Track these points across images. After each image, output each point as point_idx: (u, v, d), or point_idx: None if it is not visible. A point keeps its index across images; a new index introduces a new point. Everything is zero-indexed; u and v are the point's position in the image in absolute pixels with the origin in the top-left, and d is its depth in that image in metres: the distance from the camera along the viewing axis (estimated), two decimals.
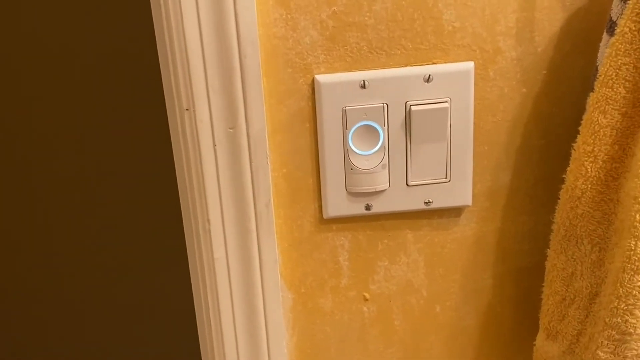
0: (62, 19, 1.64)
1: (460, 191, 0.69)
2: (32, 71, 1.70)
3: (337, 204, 0.68)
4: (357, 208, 0.69)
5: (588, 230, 0.62)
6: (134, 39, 1.58)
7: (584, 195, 0.61)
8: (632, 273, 0.57)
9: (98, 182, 1.81)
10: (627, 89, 0.57)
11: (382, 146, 0.66)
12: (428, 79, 0.64)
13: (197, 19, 0.60)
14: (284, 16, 0.62)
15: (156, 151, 1.45)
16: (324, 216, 0.69)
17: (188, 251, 0.70)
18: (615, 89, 0.58)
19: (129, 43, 1.62)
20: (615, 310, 0.59)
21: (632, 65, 0.57)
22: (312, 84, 0.64)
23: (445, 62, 0.65)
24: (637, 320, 0.58)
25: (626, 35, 0.56)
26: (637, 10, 0.56)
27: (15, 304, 1.98)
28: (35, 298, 1.97)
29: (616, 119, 0.58)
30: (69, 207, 1.85)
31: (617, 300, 0.58)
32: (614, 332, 0.59)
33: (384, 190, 0.68)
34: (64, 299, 1.97)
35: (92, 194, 1.83)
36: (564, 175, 0.62)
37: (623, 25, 0.56)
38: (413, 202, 0.69)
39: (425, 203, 0.69)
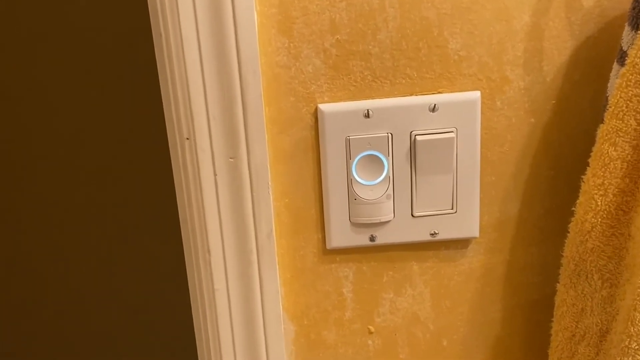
0: (62, 42, 1.65)
1: (467, 222, 0.67)
2: (34, 94, 1.71)
3: (341, 235, 0.67)
4: (361, 239, 0.67)
5: (598, 266, 0.60)
6: (135, 66, 1.59)
7: (594, 229, 0.59)
8: None
9: (98, 211, 1.81)
10: (638, 121, 0.56)
11: (387, 176, 0.65)
12: (433, 109, 0.63)
13: (197, 47, 0.59)
14: (286, 45, 0.61)
15: (157, 180, 1.45)
16: (328, 247, 0.68)
17: (189, 282, 0.69)
18: (625, 121, 0.56)
19: (130, 72, 1.63)
20: (626, 349, 0.57)
21: None
22: (315, 113, 0.63)
23: (451, 92, 0.63)
24: None
25: (637, 66, 0.55)
26: None
27: (18, 312, 1.98)
28: (35, 320, 1.98)
29: (627, 152, 0.57)
30: (67, 243, 1.85)
31: (629, 340, 0.56)
32: None
33: (389, 221, 0.67)
34: (63, 328, 1.97)
35: (92, 223, 1.82)
36: (573, 208, 0.61)
37: (634, 56, 0.55)
38: (418, 233, 0.67)
39: (431, 234, 0.67)
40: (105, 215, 1.82)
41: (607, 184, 0.58)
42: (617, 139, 0.57)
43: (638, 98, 0.55)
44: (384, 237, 0.67)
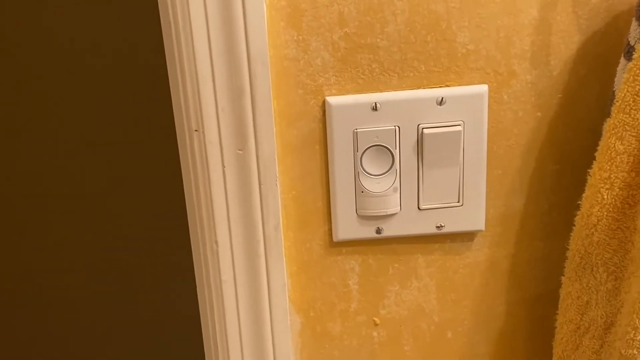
0: (71, 33, 1.64)
1: (472, 216, 0.67)
2: (47, 88, 1.71)
3: (348, 227, 0.67)
4: (367, 231, 0.68)
5: (604, 259, 0.60)
6: (144, 59, 1.58)
7: (600, 222, 0.60)
8: None
9: (105, 203, 1.81)
10: None
11: (394, 169, 0.65)
12: (441, 102, 0.63)
13: (207, 39, 0.59)
14: (295, 37, 0.61)
15: (165, 172, 1.45)
16: (334, 239, 0.68)
17: (196, 273, 0.69)
18: (632, 115, 0.56)
19: (139, 63, 1.62)
20: (631, 342, 0.57)
21: None
22: (323, 106, 0.64)
23: (459, 85, 0.64)
24: None
25: None
26: None
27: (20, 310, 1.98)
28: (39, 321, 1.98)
29: (633, 146, 0.57)
30: (77, 233, 1.85)
31: (634, 332, 0.57)
32: None
33: (395, 213, 0.67)
34: (66, 323, 1.97)
35: (100, 214, 1.82)
36: (579, 202, 0.61)
37: None
38: (425, 226, 0.68)
39: (437, 227, 0.68)
40: (112, 207, 1.81)
41: (614, 177, 0.58)
42: (624, 132, 0.57)
43: None
44: (390, 229, 0.68)
